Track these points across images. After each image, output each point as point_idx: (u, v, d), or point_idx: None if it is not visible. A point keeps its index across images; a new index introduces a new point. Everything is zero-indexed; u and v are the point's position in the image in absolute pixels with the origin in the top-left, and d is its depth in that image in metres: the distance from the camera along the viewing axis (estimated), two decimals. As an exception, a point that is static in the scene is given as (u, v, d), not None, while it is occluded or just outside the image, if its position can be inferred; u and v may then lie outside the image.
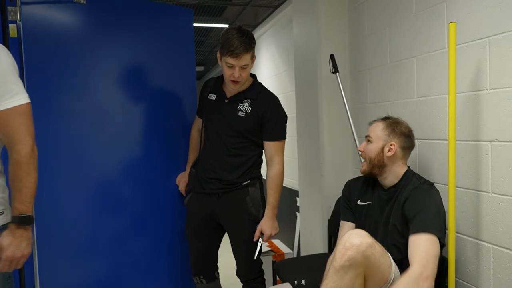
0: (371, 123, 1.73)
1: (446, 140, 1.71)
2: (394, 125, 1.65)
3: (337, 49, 2.39)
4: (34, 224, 1.72)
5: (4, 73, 1.20)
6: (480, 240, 1.56)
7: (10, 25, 1.78)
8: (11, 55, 1.25)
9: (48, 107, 1.84)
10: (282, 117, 1.97)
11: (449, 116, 1.51)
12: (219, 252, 2.12)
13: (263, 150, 2.00)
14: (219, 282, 2.15)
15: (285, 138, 1.99)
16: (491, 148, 1.50)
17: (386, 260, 1.43)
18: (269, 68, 4.59)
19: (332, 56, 2.23)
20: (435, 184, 1.63)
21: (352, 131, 2.15)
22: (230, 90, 1.94)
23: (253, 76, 2.00)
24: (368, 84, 2.27)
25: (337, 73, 2.20)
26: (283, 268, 2.16)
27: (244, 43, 1.78)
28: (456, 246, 1.57)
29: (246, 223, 1.94)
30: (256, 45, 1.91)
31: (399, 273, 1.47)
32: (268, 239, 1.97)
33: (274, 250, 3.45)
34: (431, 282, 1.35)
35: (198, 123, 2.15)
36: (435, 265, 1.39)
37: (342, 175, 2.44)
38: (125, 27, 2.07)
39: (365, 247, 1.35)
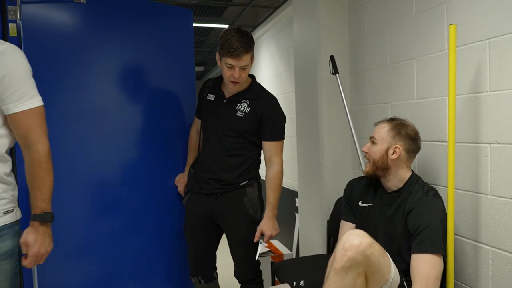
0: (376, 124, 1.70)
1: (446, 142, 1.71)
2: (400, 127, 1.61)
3: (337, 50, 2.39)
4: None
5: (23, 76, 1.25)
6: (479, 242, 1.56)
7: (10, 24, 1.78)
8: (26, 57, 1.30)
9: (47, 106, 1.82)
10: (280, 117, 1.97)
11: (448, 118, 1.51)
12: (217, 252, 2.12)
13: (262, 151, 2.00)
14: (218, 282, 2.15)
15: (284, 138, 1.99)
16: (490, 150, 1.50)
17: (385, 260, 1.43)
18: (269, 68, 4.59)
19: (332, 57, 2.23)
20: (434, 186, 1.63)
21: (351, 132, 2.15)
22: (229, 90, 1.95)
23: (252, 77, 2.01)
24: (368, 85, 2.27)
25: (337, 74, 2.20)
26: (281, 269, 2.16)
27: (244, 43, 1.78)
28: (455, 248, 1.56)
29: (244, 223, 1.94)
30: (256, 46, 1.91)
31: (398, 273, 1.47)
32: (268, 240, 1.97)
33: (273, 250, 3.45)
34: None
35: (197, 124, 2.15)
36: (437, 286, 1.41)
37: (341, 176, 2.44)
38: (125, 27, 2.07)
39: (364, 247, 1.35)
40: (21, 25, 1.78)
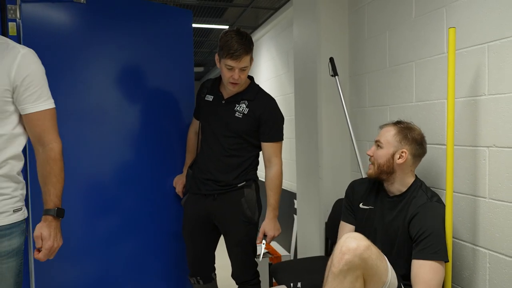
0: (381, 127, 1.67)
1: (444, 145, 1.71)
2: (406, 131, 1.59)
3: (336, 52, 2.39)
4: (31, 225, 1.73)
5: (41, 79, 1.34)
6: (477, 245, 1.56)
7: (10, 23, 1.78)
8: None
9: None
10: (279, 118, 1.98)
11: (447, 121, 1.51)
12: (216, 253, 2.12)
13: (260, 152, 2.00)
14: (216, 283, 2.15)
15: (283, 139, 1.99)
16: (488, 154, 1.50)
17: (383, 263, 1.43)
18: (269, 70, 4.60)
19: (331, 59, 2.23)
20: (432, 189, 1.63)
21: (350, 134, 2.16)
22: (228, 91, 1.95)
23: (250, 78, 2.01)
24: (367, 88, 2.27)
25: (336, 76, 2.21)
26: (279, 270, 2.16)
27: (243, 45, 1.78)
28: (452, 251, 1.56)
29: (241, 224, 1.94)
30: (256, 47, 1.92)
31: (395, 276, 1.47)
32: (271, 241, 1.97)
33: (271, 252, 3.44)
34: None
35: (195, 125, 2.15)
36: None
37: (340, 178, 2.45)
38: (125, 27, 2.07)
39: (362, 250, 1.35)
40: (20, 24, 1.78)
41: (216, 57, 1.90)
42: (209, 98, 2.01)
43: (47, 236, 1.33)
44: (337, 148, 2.46)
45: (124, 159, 2.08)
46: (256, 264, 2.04)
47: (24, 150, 1.36)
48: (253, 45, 1.87)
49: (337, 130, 2.44)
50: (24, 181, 1.37)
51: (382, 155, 1.59)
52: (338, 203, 2.30)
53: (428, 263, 1.43)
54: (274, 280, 2.19)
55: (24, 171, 1.51)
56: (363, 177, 2.07)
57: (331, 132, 2.45)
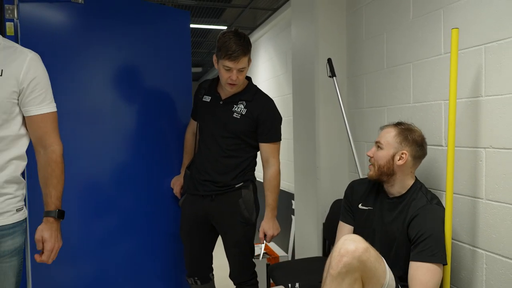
0: (382, 128, 1.67)
1: (441, 146, 1.71)
2: (407, 132, 1.58)
3: (334, 53, 2.39)
4: (28, 225, 1.72)
5: (46, 82, 1.37)
6: (474, 246, 1.57)
7: (7, 23, 1.77)
8: None
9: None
10: (277, 119, 1.98)
11: (448, 122, 1.50)
12: (214, 254, 2.12)
13: (258, 152, 2.01)
14: (214, 283, 2.15)
15: (280, 139, 2.00)
16: (485, 155, 1.51)
17: (381, 265, 1.43)
18: (267, 70, 4.60)
19: (329, 60, 2.24)
20: (430, 189, 1.63)
21: (348, 135, 2.16)
22: (225, 92, 1.95)
23: (248, 78, 2.01)
24: (364, 89, 2.28)
25: (334, 77, 2.21)
26: (277, 271, 2.16)
27: (242, 46, 1.78)
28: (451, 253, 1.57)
29: (239, 225, 1.94)
30: (254, 48, 1.92)
31: (393, 277, 1.47)
32: (271, 240, 1.98)
33: (268, 253, 3.45)
34: None
35: (192, 126, 2.15)
36: None
37: (337, 179, 2.45)
38: (122, 28, 2.06)
39: (360, 253, 1.35)
40: (18, 24, 1.77)
41: (214, 58, 1.90)
42: (207, 98, 2.01)
43: (48, 238, 1.35)
44: (335, 149, 2.46)
45: (122, 159, 2.08)
46: (254, 265, 2.04)
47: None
48: (251, 46, 1.87)
49: (335, 131, 2.44)
50: (25, 181, 1.39)
51: (382, 156, 1.59)
52: (336, 203, 2.30)
53: (425, 265, 1.43)
54: (271, 281, 2.19)
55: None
56: (361, 177, 2.07)
57: (329, 133, 2.45)
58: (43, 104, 1.35)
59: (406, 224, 1.53)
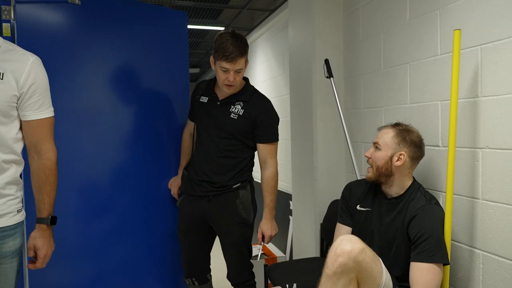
0: (380, 129, 1.67)
1: (438, 146, 1.72)
2: (405, 133, 1.58)
3: (332, 53, 2.40)
4: (25, 226, 1.72)
5: (46, 86, 1.36)
6: (471, 246, 1.57)
7: (4, 24, 1.77)
8: None
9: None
10: (274, 119, 1.98)
11: (450, 122, 1.50)
12: (211, 254, 2.12)
13: (256, 153, 2.01)
14: (212, 284, 2.15)
15: (278, 140, 2.00)
16: (481, 155, 1.51)
17: (377, 265, 1.43)
18: (264, 71, 4.60)
19: (326, 61, 2.24)
20: (426, 189, 1.64)
21: (345, 135, 2.16)
22: (223, 92, 1.95)
23: (245, 79, 2.01)
24: (362, 89, 2.29)
25: (331, 78, 2.21)
26: (274, 272, 2.16)
27: (239, 47, 1.78)
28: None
29: (236, 226, 1.94)
30: (251, 49, 1.93)
31: (390, 278, 1.48)
32: (269, 241, 1.98)
33: (266, 253, 3.45)
34: None
35: (189, 126, 2.15)
36: None
37: (335, 179, 2.45)
38: (120, 29, 2.06)
39: (356, 253, 1.35)
40: (15, 25, 1.77)
41: (211, 59, 1.90)
42: (204, 99, 2.01)
43: (41, 246, 1.36)
44: (332, 150, 2.46)
45: (119, 160, 2.08)
46: (251, 265, 2.04)
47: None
48: (248, 47, 1.87)
49: (332, 132, 2.45)
50: (22, 183, 1.39)
51: (380, 157, 1.59)
52: (333, 204, 2.30)
53: (426, 266, 1.43)
54: (269, 281, 2.19)
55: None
56: (358, 178, 2.07)
57: (326, 133, 2.45)
58: (41, 109, 1.34)
59: (405, 224, 1.53)
